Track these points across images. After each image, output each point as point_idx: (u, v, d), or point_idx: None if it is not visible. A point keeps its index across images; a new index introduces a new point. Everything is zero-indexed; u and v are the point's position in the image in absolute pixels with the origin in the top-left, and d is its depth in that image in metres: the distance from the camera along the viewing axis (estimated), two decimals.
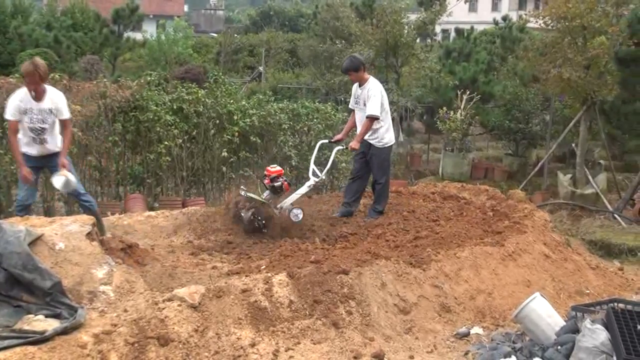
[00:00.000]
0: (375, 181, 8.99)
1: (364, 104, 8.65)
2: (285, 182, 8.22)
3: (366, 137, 8.70)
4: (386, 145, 8.84)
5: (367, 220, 8.63)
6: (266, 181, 8.17)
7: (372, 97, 8.53)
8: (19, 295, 5.11)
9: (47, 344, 4.65)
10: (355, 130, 9.02)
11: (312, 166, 8.67)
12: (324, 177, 8.87)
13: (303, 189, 8.44)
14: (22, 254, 5.14)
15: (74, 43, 26.96)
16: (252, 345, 5.26)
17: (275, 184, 8.11)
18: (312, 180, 8.47)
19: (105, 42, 28.85)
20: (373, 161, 8.83)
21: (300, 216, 8.16)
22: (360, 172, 9.01)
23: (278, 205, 8.11)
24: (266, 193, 8.13)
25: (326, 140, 9.42)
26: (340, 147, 9.03)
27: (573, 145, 18.56)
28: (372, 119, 8.50)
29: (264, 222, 7.93)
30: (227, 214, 8.33)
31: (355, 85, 8.90)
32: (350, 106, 9.18)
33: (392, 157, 21.08)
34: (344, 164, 13.13)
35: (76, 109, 10.18)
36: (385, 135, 8.79)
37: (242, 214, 7.96)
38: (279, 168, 8.27)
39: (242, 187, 8.18)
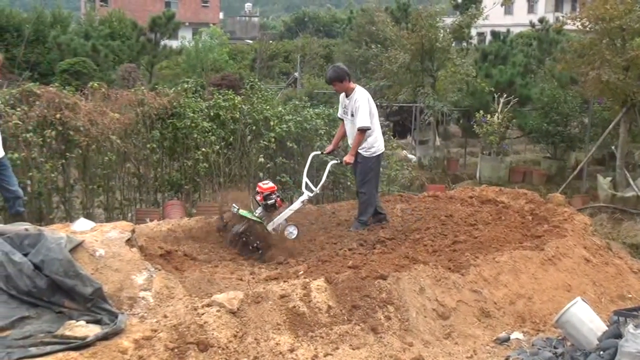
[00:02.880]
0: (357, 190, 8.86)
1: (352, 115, 8.50)
2: (279, 199, 7.98)
3: None
4: (374, 155, 8.61)
5: (351, 231, 8.51)
6: (259, 198, 7.90)
7: (359, 107, 8.37)
8: (60, 302, 5.17)
9: (88, 350, 4.70)
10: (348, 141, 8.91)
11: (304, 179, 8.42)
12: (318, 192, 8.62)
13: (296, 205, 8.16)
14: (63, 261, 5.21)
15: (111, 52, 27.29)
16: (291, 350, 5.26)
17: (269, 202, 7.85)
18: (306, 195, 8.22)
19: (142, 50, 29.15)
20: (359, 169, 8.67)
21: (295, 233, 7.94)
22: None
23: (271, 223, 7.86)
24: (259, 210, 7.87)
25: (319, 152, 9.25)
26: (335, 162, 8.75)
27: (613, 147, 18.33)
28: (363, 130, 8.37)
29: (257, 241, 7.66)
30: (219, 229, 8.13)
31: (342, 94, 8.72)
32: (339, 115, 9.01)
33: (431, 161, 21.11)
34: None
35: (115, 116, 10.29)
36: (374, 144, 8.59)
37: (234, 232, 7.75)
38: (271, 184, 8.02)
39: (234, 204, 7.88)
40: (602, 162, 20.91)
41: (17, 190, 8.46)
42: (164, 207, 10.92)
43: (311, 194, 8.31)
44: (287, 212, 7.99)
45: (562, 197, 10.08)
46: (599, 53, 16.16)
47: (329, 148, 9.08)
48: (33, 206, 9.72)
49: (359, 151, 8.55)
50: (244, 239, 7.67)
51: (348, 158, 8.39)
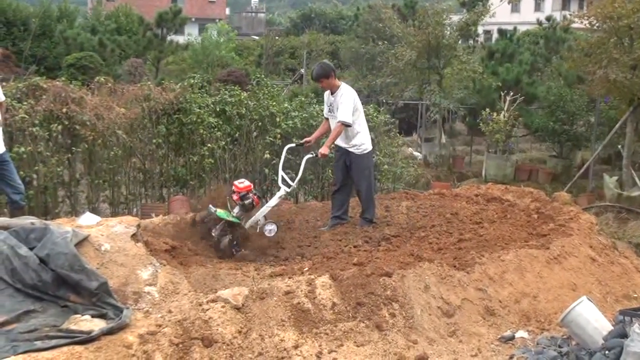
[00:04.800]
0: (357, 190, 8.81)
1: (337, 110, 8.40)
2: (256, 197, 7.81)
3: (345, 145, 8.55)
4: (365, 152, 8.60)
5: (357, 227, 8.50)
6: (235, 198, 7.73)
7: (343, 103, 8.28)
8: (66, 296, 5.18)
9: (93, 344, 4.70)
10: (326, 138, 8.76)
11: (280, 173, 8.27)
12: (295, 186, 8.50)
13: (274, 201, 8.03)
14: (69, 255, 5.22)
15: (118, 46, 27.33)
16: (295, 347, 5.26)
17: (246, 202, 7.67)
18: (283, 191, 8.06)
19: (148, 45, 29.19)
20: (353, 169, 8.63)
21: (275, 231, 7.77)
22: (343, 181, 8.79)
23: (250, 221, 7.73)
24: (236, 210, 7.71)
25: (293, 145, 9.04)
26: (310, 155, 8.48)
27: (619, 147, 18.26)
28: (343, 125, 8.27)
29: (236, 242, 7.52)
30: (196, 230, 7.83)
31: (327, 92, 8.62)
32: (325, 114, 8.89)
33: (437, 159, 21.09)
34: (385, 166, 13.08)
35: (121, 111, 10.30)
36: (364, 142, 8.58)
37: (213, 234, 7.51)
38: (247, 183, 7.81)
39: (210, 205, 7.71)
40: (608, 161, 20.85)
41: (19, 185, 8.44)
42: (169, 202, 10.95)
43: (288, 189, 8.17)
44: (265, 209, 7.87)
45: (568, 196, 10.05)
46: (607, 52, 16.09)
47: (308, 139, 8.91)
48: (39, 200, 9.75)
49: (352, 151, 8.54)
50: (223, 240, 7.51)
51: (324, 150, 8.23)
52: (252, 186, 7.88)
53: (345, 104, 8.29)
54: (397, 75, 22.91)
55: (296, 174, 8.27)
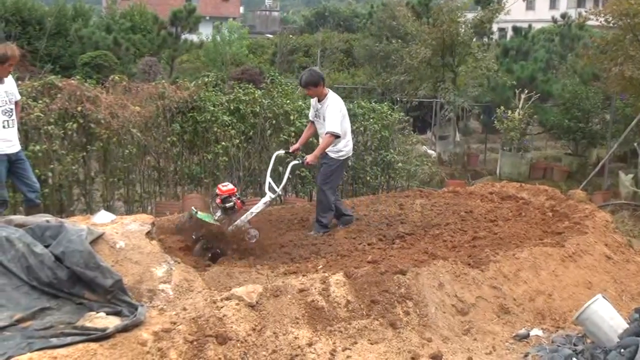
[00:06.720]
0: (318, 189, 8.70)
1: (324, 119, 8.36)
2: (238, 201, 7.70)
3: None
4: (341, 158, 8.55)
5: (310, 234, 8.39)
6: (217, 201, 7.68)
7: (331, 114, 8.24)
8: (81, 293, 5.20)
9: (108, 341, 4.72)
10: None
11: (268, 180, 8.15)
12: (280, 193, 8.39)
13: (259, 206, 7.86)
14: (84, 252, 5.24)
15: (132, 45, 27.37)
16: (310, 344, 5.26)
17: (227, 205, 7.59)
18: (268, 197, 7.92)
19: (163, 44, 29.18)
20: (322, 169, 8.57)
21: (256, 237, 7.63)
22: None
23: (232, 226, 7.58)
24: (218, 213, 7.66)
25: (282, 152, 8.99)
26: (295, 162, 8.38)
27: (635, 144, 18.15)
28: (332, 135, 8.21)
29: (214, 244, 7.40)
30: (180, 232, 7.66)
31: (315, 99, 8.57)
32: (310, 117, 8.83)
33: (451, 157, 21.03)
34: (399, 164, 13.08)
35: (135, 109, 10.33)
36: (344, 148, 8.53)
37: (193, 236, 7.39)
38: (231, 186, 7.74)
39: (193, 207, 7.70)
40: (623, 159, 20.74)
41: (34, 183, 8.44)
42: (183, 200, 10.97)
43: (273, 195, 8.03)
44: (249, 215, 7.72)
45: (583, 194, 10.00)
46: (623, 49, 16.01)
47: (295, 146, 8.83)
48: (54, 198, 9.79)
49: (327, 151, 8.44)
50: (205, 243, 7.41)
51: (310, 159, 8.17)
52: (235, 190, 7.80)
53: (333, 115, 8.25)
54: (412, 73, 22.89)
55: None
